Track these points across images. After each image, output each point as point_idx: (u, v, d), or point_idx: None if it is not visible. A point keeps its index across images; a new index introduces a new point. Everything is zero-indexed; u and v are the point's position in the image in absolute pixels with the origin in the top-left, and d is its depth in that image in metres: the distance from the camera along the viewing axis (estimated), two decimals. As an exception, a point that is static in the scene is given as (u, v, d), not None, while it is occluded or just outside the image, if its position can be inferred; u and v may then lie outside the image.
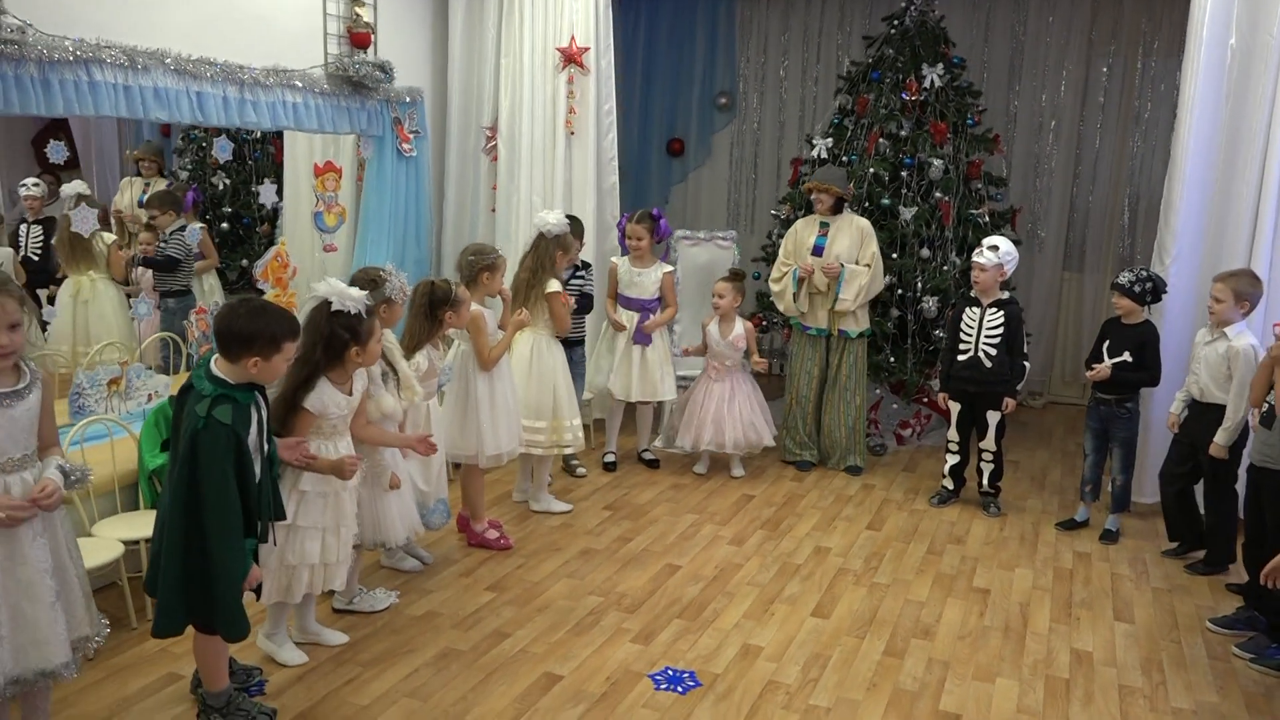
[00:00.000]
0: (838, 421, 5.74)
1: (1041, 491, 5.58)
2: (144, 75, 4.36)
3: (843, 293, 5.44)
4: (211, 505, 2.72)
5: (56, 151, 5.40)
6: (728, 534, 4.77)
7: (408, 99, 5.95)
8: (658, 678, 3.39)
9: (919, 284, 6.00)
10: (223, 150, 5.08)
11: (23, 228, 6.46)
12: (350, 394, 3.34)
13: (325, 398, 3.23)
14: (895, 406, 6.32)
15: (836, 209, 5.55)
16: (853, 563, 4.48)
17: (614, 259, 5.71)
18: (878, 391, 6.26)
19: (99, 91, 4.19)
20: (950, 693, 3.39)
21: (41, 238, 6.43)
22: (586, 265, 5.43)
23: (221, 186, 7.08)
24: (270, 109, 5.03)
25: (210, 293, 6.48)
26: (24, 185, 6.64)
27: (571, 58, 5.87)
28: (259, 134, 7.22)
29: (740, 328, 5.50)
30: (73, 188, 6.17)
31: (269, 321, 2.81)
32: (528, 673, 3.39)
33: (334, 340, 3.21)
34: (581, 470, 5.58)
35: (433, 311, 3.97)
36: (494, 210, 6.28)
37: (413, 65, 6.13)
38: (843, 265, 5.43)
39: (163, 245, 5.66)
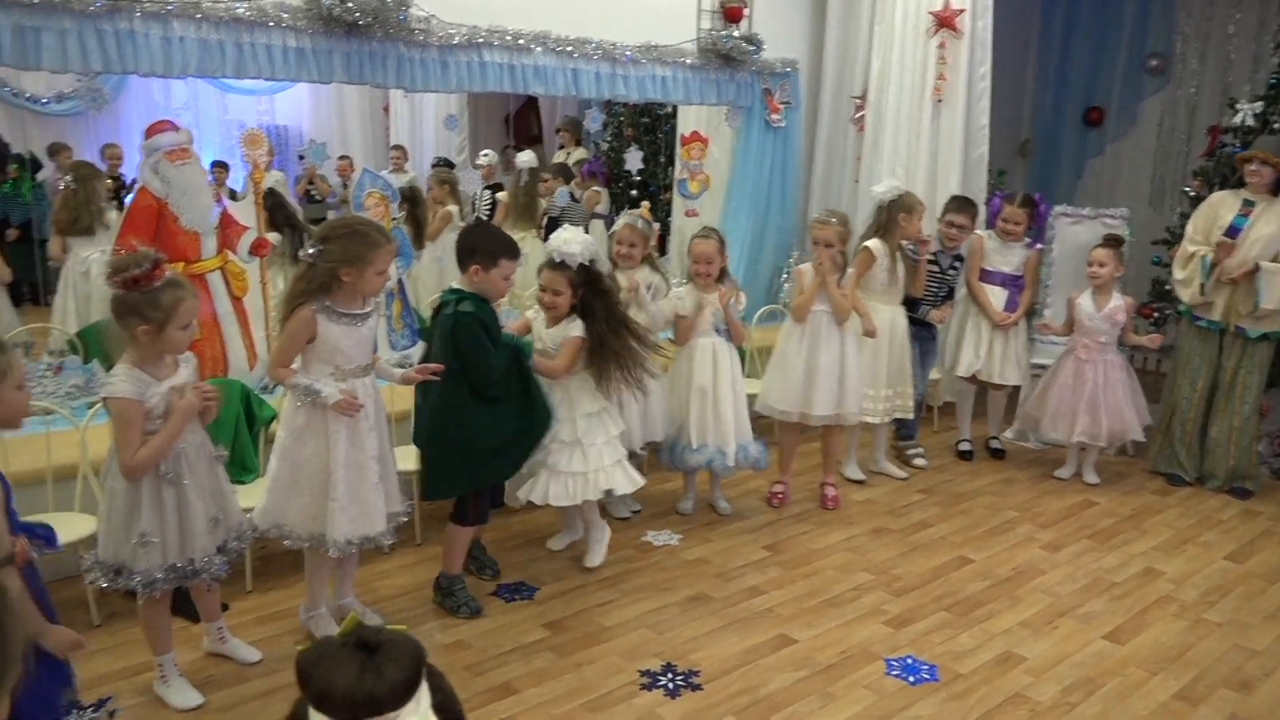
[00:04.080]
0: (1226, 435, 4.91)
1: None
2: (526, 55, 4.98)
3: (1263, 298, 4.61)
4: (474, 376, 3.25)
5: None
6: (1045, 537, 4.36)
7: (780, 70, 6.09)
8: (893, 663, 3.27)
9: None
10: (594, 121, 5.63)
11: (478, 191, 7.63)
12: None
13: None
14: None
15: (1275, 189, 4.70)
16: (1186, 592, 3.87)
17: (978, 233, 5.37)
18: (1294, 405, 5.23)
19: (487, 70, 4.87)
20: (1241, 756, 2.86)
21: (490, 201, 7.59)
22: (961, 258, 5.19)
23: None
24: (639, 82, 5.45)
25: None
26: (482, 155, 7.86)
27: (945, 21, 5.59)
28: (670, 109, 7.85)
29: (1119, 300, 4.93)
30: (525, 159, 7.19)
31: (491, 238, 3.35)
32: (765, 630, 3.45)
33: None
34: (920, 462, 5.25)
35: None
36: (857, 181, 6.21)
37: (789, 37, 6.24)
38: (1258, 265, 4.60)
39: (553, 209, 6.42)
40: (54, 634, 1.97)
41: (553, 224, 6.37)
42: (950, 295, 5.12)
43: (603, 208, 7.36)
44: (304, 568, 3.32)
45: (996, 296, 5.22)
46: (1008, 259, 5.22)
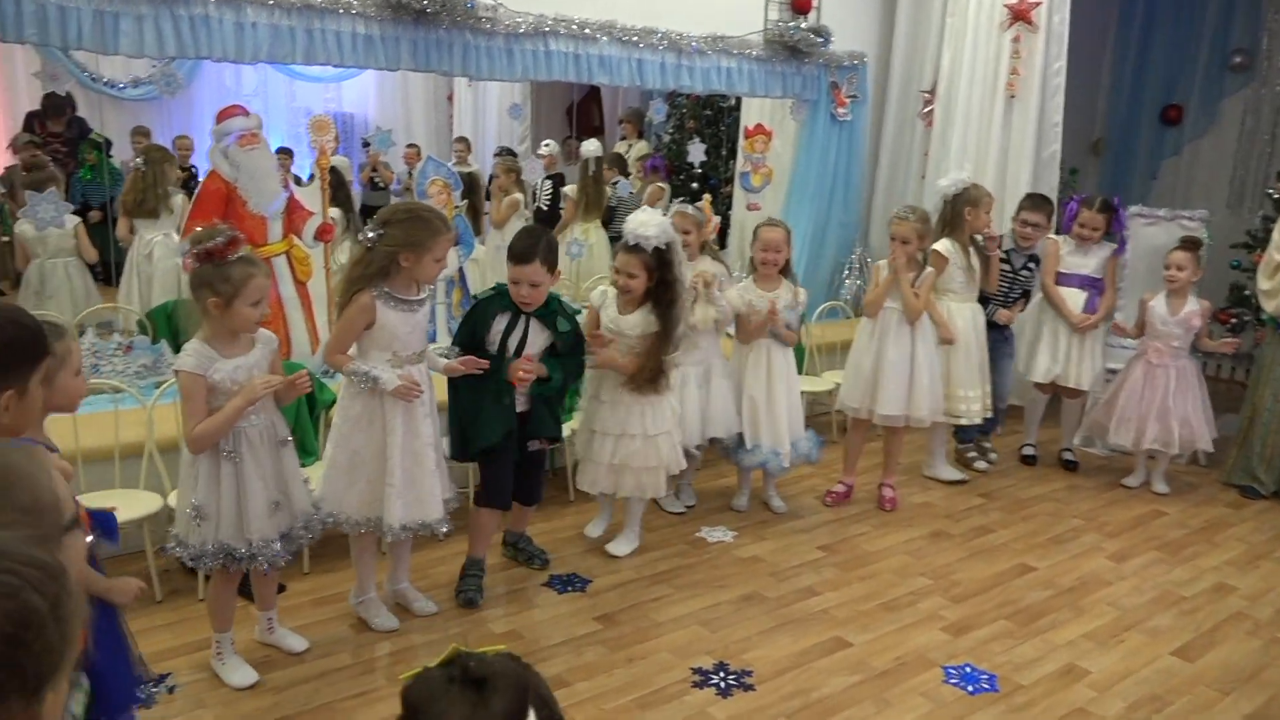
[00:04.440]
0: (1313, 448, 4.72)
1: None
2: (591, 45, 4.96)
3: None
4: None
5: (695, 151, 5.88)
6: (1111, 547, 4.23)
7: (848, 63, 5.99)
8: (951, 671, 3.19)
9: None
10: (658, 112, 5.60)
11: (539, 181, 7.62)
12: None
13: None
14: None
15: None
16: (1260, 610, 3.72)
17: (1053, 236, 5.20)
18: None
19: (552, 59, 4.86)
20: (1318, 783, 2.74)
21: (551, 190, 7.59)
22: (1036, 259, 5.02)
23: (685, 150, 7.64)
24: (704, 74, 5.40)
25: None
26: (543, 145, 7.86)
27: (1020, 14, 5.44)
28: (734, 101, 7.78)
29: (1195, 304, 4.77)
30: (591, 148, 7.16)
31: (518, 238, 3.35)
32: (819, 632, 3.40)
33: None
34: (981, 464, 5.11)
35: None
36: (923, 177, 6.09)
37: (858, 29, 6.14)
38: None
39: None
40: (117, 587, 1.99)
41: (610, 214, 6.37)
42: (1024, 297, 4.97)
43: (664, 203, 7.32)
44: (351, 552, 3.34)
45: (1075, 299, 5.02)
46: (1086, 261, 5.04)
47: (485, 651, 1.10)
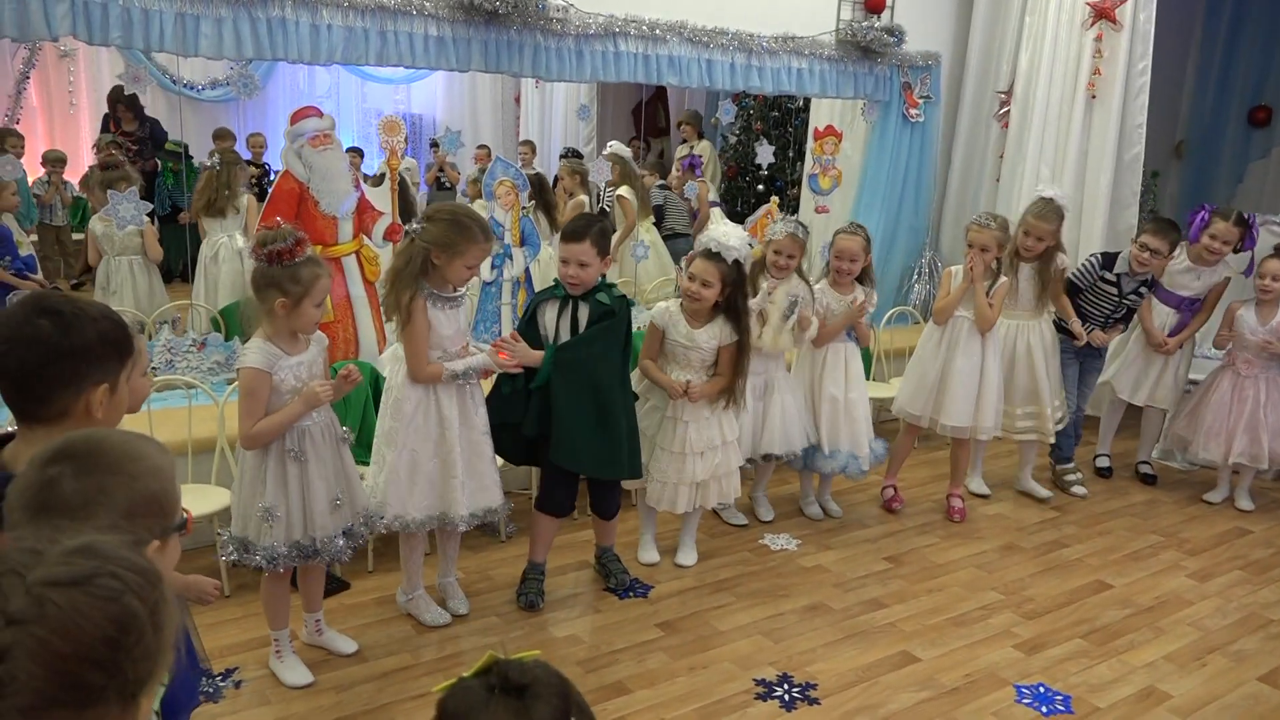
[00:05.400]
0: None
1: None
2: (661, 45, 4.93)
3: None
4: None
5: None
6: (1192, 566, 4.07)
7: (921, 63, 5.87)
8: (1023, 690, 3.09)
9: None
10: (727, 113, 5.54)
11: (603, 183, 7.61)
12: None
13: None
14: None
15: None
16: (1354, 637, 3.55)
17: None
18: None
19: (622, 60, 4.84)
20: None
21: (614, 192, 7.57)
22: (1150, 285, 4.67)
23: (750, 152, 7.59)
24: (774, 74, 5.33)
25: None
26: (609, 146, 7.86)
27: (1103, 12, 5.27)
28: (801, 102, 7.69)
29: None
30: (620, 148, 7.12)
31: (573, 220, 3.37)
32: (886, 645, 3.32)
33: None
34: (1079, 490, 4.81)
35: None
36: (998, 180, 5.93)
37: (932, 29, 6.01)
38: None
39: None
40: (194, 584, 2.00)
41: (660, 214, 6.44)
42: (1124, 321, 4.71)
43: (713, 195, 7.33)
44: (400, 550, 3.34)
45: (1165, 316, 4.78)
46: (1194, 283, 4.72)
47: (522, 658, 1.08)
